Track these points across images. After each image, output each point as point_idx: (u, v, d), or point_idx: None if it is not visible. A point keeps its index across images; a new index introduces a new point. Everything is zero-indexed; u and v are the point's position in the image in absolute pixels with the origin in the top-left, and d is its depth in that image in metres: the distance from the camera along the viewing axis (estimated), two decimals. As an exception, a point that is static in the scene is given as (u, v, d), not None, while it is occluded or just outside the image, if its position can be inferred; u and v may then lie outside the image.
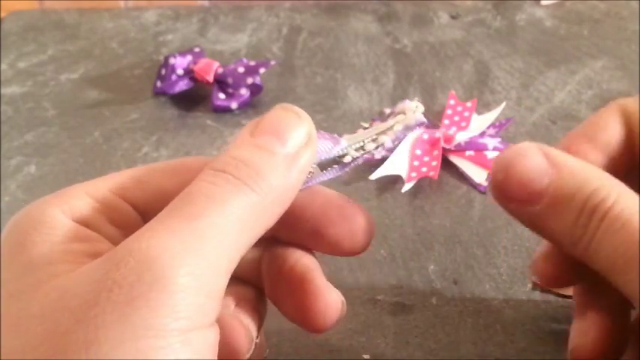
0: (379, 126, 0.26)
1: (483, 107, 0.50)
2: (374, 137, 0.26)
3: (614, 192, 0.22)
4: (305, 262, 0.25)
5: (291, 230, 0.24)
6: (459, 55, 0.57)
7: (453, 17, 0.62)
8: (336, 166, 0.25)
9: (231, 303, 0.25)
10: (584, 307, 0.27)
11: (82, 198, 0.22)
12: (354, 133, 0.26)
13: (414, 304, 0.36)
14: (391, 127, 0.26)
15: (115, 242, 0.20)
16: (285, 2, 0.65)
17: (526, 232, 0.40)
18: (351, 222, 0.24)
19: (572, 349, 0.27)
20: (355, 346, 0.34)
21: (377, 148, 0.25)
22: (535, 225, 0.24)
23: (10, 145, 0.49)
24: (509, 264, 0.38)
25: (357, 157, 0.25)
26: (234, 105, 0.51)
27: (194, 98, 0.52)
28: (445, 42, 0.58)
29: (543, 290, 0.36)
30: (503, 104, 0.48)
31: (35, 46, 0.61)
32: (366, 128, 0.27)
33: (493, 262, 0.38)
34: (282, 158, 0.21)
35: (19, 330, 0.18)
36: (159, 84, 0.53)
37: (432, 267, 0.38)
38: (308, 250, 0.25)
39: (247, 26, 0.62)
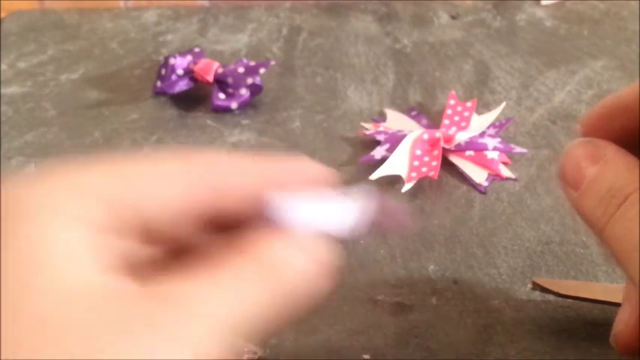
0: None
1: (483, 107, 0.50)
2: None
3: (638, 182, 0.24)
4: None
5: None
6: (459, 55, 0.57)
7: (453, 17, 0.62)
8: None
9: None
10: (632, 292, 0.28)
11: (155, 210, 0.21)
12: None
13: (414, 304, 0.36)
14: None
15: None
16: (285, 2, 0.65)
17: (526, 232, 0.40)
18: None
19: (614, 334, 0.28)
20: (355, 346, 0.34)
21: None
22: (576, 209, 0.27)
23: (10, 145, 0.49)
24: (509, 264, 0.38)
25: None
26: (234, 105, 0.51)
27: (194, 98, 0.52)
28: (445, 42, 0.58)
29: (543, 290, 0.36)
30: (503, 104, 0.48)
31: (35, 46, 0.61)
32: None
33: (493, 262, 0.38)
34: None
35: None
36: (159, 84, 0.53)
37: (432, 267, 0.38)
38: None
39: (247, 26, 0.62)
